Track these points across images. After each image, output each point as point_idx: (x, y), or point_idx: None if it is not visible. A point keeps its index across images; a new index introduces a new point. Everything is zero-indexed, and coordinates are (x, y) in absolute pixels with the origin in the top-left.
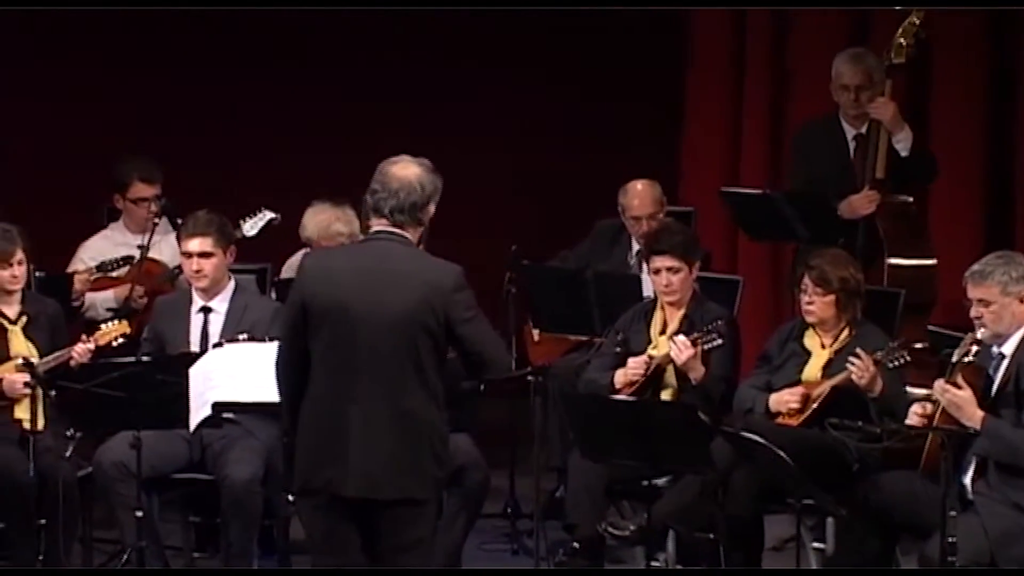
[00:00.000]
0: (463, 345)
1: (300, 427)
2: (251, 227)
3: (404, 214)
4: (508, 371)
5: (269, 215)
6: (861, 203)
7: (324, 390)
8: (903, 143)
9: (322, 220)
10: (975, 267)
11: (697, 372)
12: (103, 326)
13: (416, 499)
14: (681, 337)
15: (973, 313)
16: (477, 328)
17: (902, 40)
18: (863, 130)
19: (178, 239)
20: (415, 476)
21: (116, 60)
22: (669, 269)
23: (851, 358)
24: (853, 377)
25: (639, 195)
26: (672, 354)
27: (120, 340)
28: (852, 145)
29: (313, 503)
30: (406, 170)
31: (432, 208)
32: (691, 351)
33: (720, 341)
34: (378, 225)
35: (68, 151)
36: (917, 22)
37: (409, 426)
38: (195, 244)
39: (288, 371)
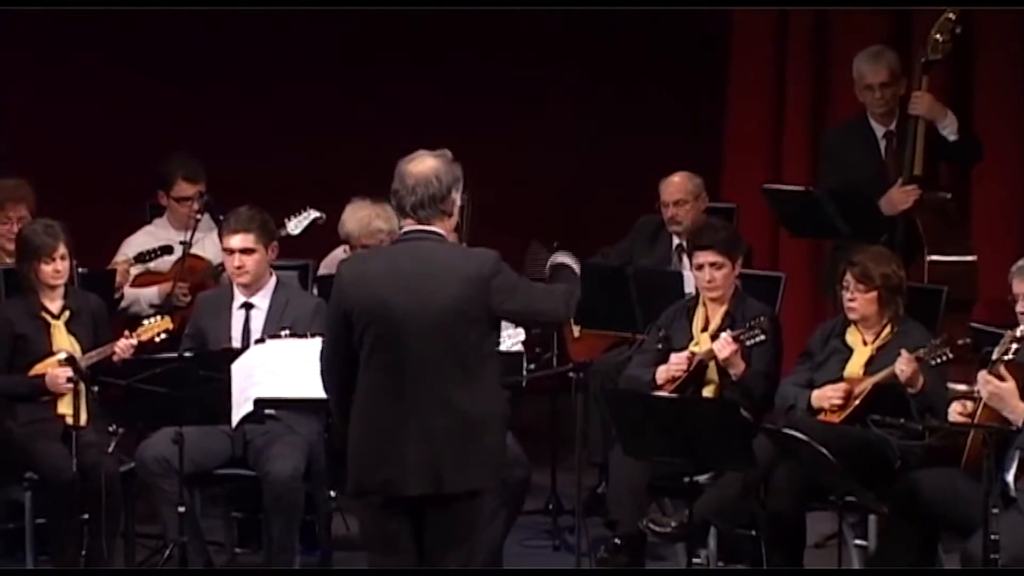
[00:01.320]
0: (515, 318)
1: (352, 429)
2: (295, 226)
3: (426, 208)
4: (564, 314)
5: (313, 214)
6: (900, 197)
7: (374, 393)
8: (950, 128)
9: (362, 217)
10: (1021, 262)
11: (737, 368)
12: (145, 322)
13: (479, 489)
14: (725, 333)
15: (1019, 308)
16: (522, 297)
17: (938, 36)
18: (892, 127)
19: (220, 236)
20: (475, 467)
21: (159, 59)
22: (712, 265)
23: (898, 361)
24: (899, 370)
25: (672, 183)
26: (716, 348)
27: (163, 336)
28: (883, 144)
29: (368, 504)
30: (421, 165)
31: (456, 197)
32: (733, 347)
33: (763, 337)
34: (407, 225)
35: (111, 147)
36: (953, 18)
37: (464, 419)
38: (237, 240)
39: (335, 380)
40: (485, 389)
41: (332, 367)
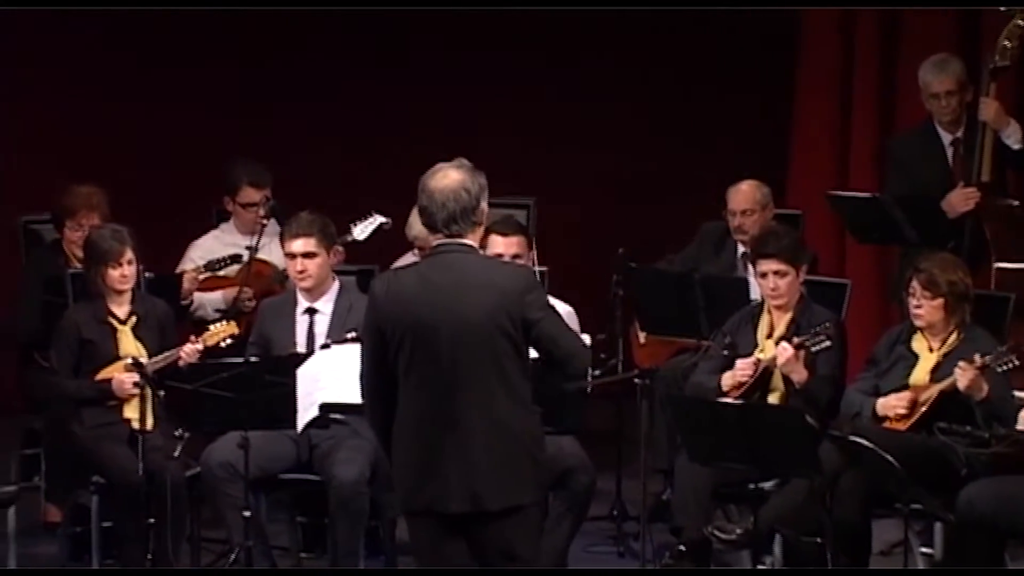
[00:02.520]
0: (539, 345)
1: (395, 449)
2: (361, 231)
3: (458, 223)
4: (586, 365)
5: (379, 219)
6: (959, 200)
7: (414, 409)
8: (1013, 137)
9: None
10: None
11: (800, 375)
12: (211, 327)
13: (521, 505)
14: (784, 342)
15: None
16: (551, 326)
17: (1006, 42)
18: (959, 134)
19: (282, 240)
20: (517, 483)
21: (224, 63)
22: (776, 273)
23: (959, 364)
24: (958, 381)
25: (740, 191)
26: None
27: (228, 341)
28: (950, 151)
29: (417, 521)
30: (446, 179)
31: (484, 206)
32: (790, 354)
33: (828, 343)
34: (437, 239)
35: (177, 152)
36: (1022, 23)
37: (503, 435)
38: (298, 245)
39: (376, 398)
40: (522, 401)
41: (372, 386)
